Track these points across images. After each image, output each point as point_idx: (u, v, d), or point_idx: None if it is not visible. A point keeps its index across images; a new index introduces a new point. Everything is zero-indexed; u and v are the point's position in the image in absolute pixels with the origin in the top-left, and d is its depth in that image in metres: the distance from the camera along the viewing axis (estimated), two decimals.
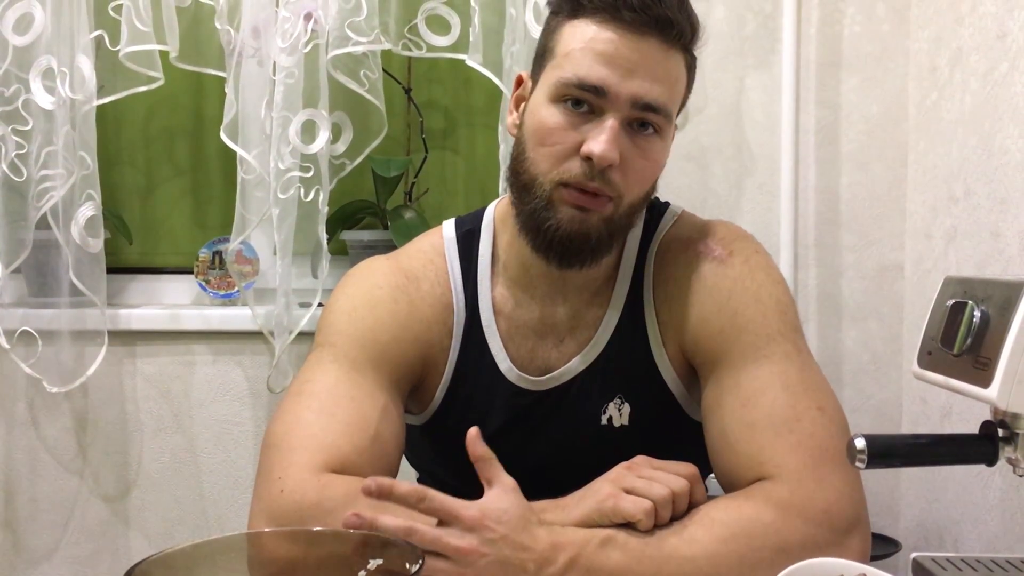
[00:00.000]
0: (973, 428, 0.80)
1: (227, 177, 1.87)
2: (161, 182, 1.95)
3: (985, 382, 0.76)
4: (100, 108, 1.68)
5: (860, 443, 0.77)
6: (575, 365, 1.09)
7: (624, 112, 0.97)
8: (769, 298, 1.04)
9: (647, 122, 0.99)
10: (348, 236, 1.80)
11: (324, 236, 1.70)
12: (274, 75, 1.65)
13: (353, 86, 1.68)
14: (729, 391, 0.99)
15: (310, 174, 1.68)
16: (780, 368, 0.99)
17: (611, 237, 1.03)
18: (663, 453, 0.96)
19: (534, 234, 1.02)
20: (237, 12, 1.66)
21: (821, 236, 1.79)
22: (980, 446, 0.79)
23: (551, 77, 1.00)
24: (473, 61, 1.66)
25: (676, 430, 1.09)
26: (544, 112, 1.00)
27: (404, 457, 1.10)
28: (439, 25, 1.71)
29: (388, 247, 1.75)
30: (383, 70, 1.72)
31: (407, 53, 1.72)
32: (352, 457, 0.96)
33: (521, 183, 1.02)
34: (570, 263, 1.03)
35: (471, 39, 1.66)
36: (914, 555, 0.93)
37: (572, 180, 0.98)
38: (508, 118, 1.09)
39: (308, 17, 1.63)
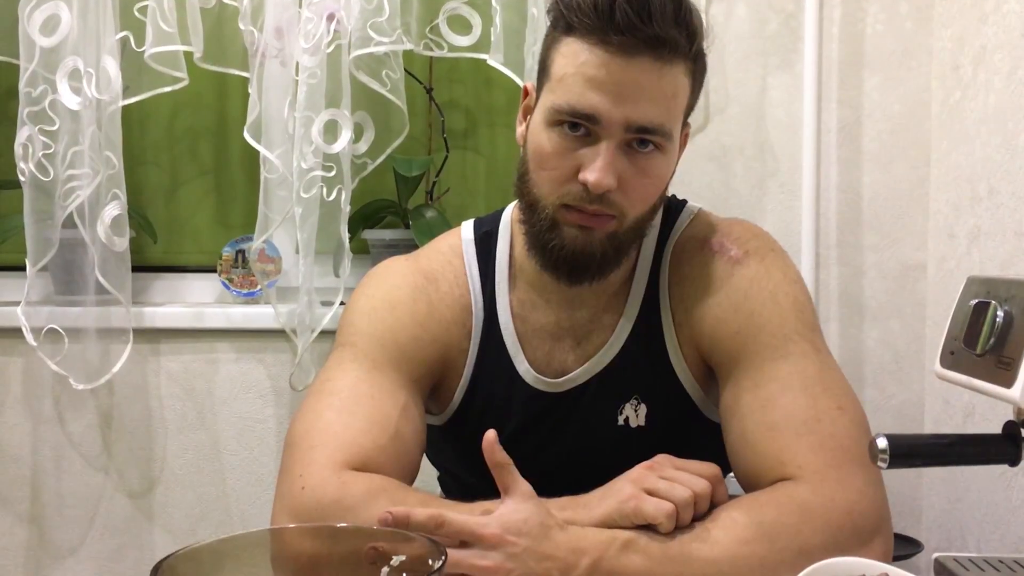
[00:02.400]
0: (996, 428, 0.80)
1: (250, 176, 1.89)
2: (185, 181, 1.97)
3: (1008, 382, 0.75)
4: (125, 108, 1.70)
5: (882, 443, 0.77)
6: (592, 366, 1.09)
7: (619, 136, 0.96)
8: (786, 297, 1.04)
9: (647, 141, 0.98)
10: (370, 235, 1.81)
11: (346, 235, 1.70)
12: (297, 75, 1.66)
13: (375, 86, 1.69)
14: (748, 392, 0.99)
15: (332, 173, 1.69)
16: (799, 368, 0.98)
17: (617, 252, 1.03)
18: (679, 453, 0.96)
19: (541, 253, 1.03)
20: (260, 13, 1.68)
21: (843, 235, 1.79)
22: (1003, 446, 0.79)
23: (547, 101, 1.00)
24: (494, 61, 1.67)
25: (693, 430, 1.09)
26: (542, 137, 1.00)
27: (425, 456, 1.10)
28: (460, 25, 1.72)
29: (410, 246, 1.76)
30: (405, 70, 1.72)
31: (428, 53, 1.73)
32: (373, 454, 0.97)
33: (527, 202, 1.04)
34: (579, 279, 1.04)
35: (492, 39, 1.67)
36: (936, 555, 0.93)
37: (572, 202, 0.99)
38: (518, 128, 1.09)
39: (331, 18, 1.64)
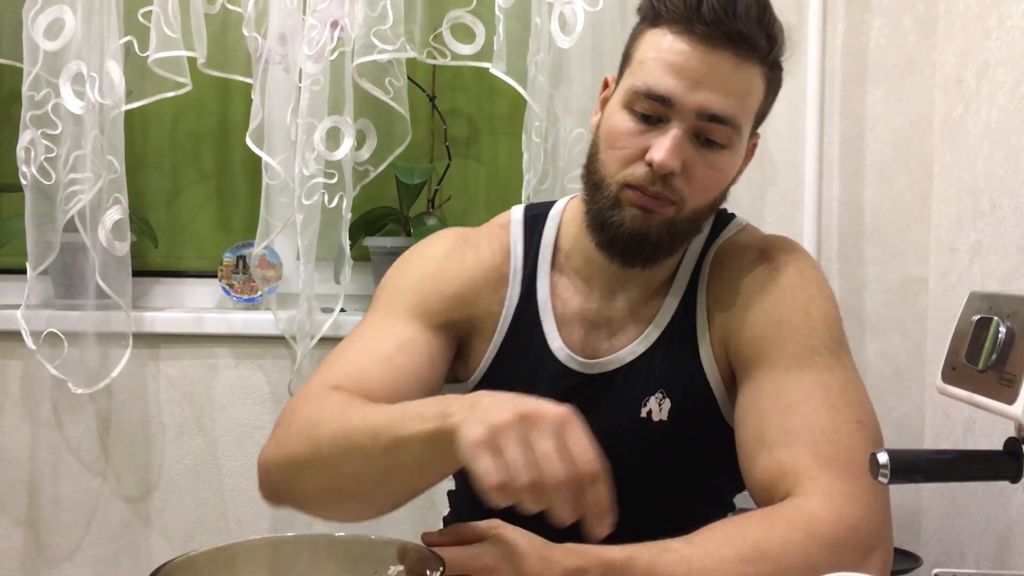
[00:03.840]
0: (997, 443, 0.80)
1: (252, 182, 1.89)
2: (187, 186, 1.97)
3: (1010, 399, 0.75)
4: (128, 113, 1.70)
5: (883, 458, 0.77)
6: (624, 355, 1.11)
7: (689, 122, 1.00)
8: (818, 310, 1.05)
9: (715, 137, 1.01)
10: (371, 242, 1.81)
11: (347, 242, 1.71)
12: (300, 82, 1.66)
13: (378, 93, 1.69)
14: (769, 396, 1.00)
15: (334, 180, 1.69)
16: (823, 379, 1.00)
17: (672, 239, 1.06)
18: (696, 453, 1.00)
19: (599, 231, 1.06)
20: (264, 19, 1.68)
21: (844, 248, 1.79)
22: (1004, 463, 0.79)
23: (626, 83, 1.04)
24: (497, 70, 1.67)
25: (710, 432, 1.09)
26: (617, 117, 1.04)
27: None
28: (464, 33, 1.72)
29: None
30: (408, 78, 1.72)
31: (432, 61, 1.73)
32: (355, 374, 1.02)
33: (592, 182, 1.07)
34: (632, 261, 1.06)
35: (495, 48, 1.67)
36: (936, 571, 0.93)
37: (636, 183, 1.02)
38: (593, 118, 1.12)
39: (334, 25, 1.64)
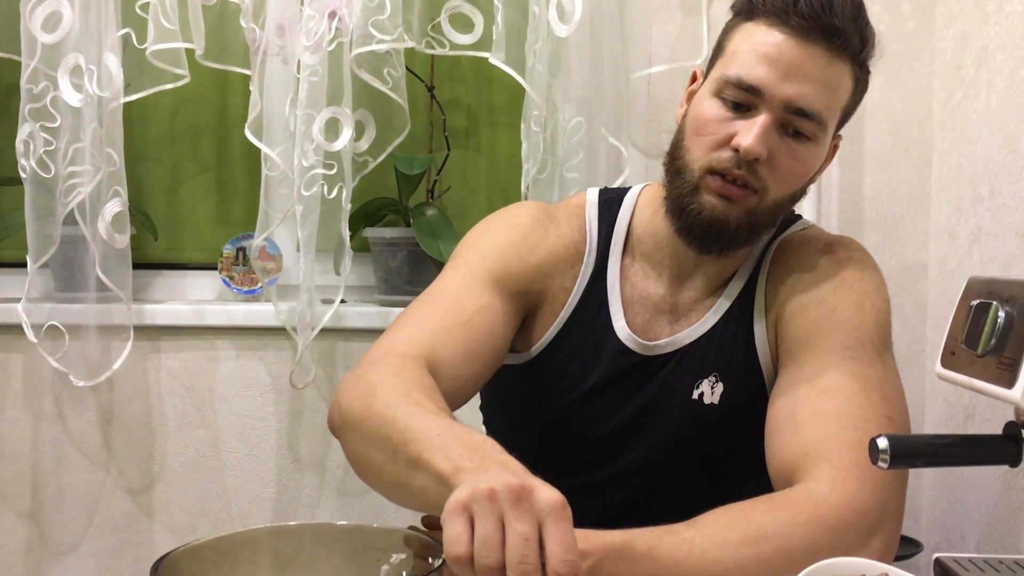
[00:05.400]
0: (997, 428, 0.80)
1: (251, 174, 1.88)
2: (186, 179, 1.97)
3: (1009, 383, 0.76)
4: (126, 105, 1.69)
5: (883, 443, 0.77)
6: (682, 339, 1.13)
7: (777, 112, 1.02)
8: (872, 308, 1.08)
9: (801, 129, 1.03)
10: (370, 233, 1.81)
11: (347, 233, 1.70)
12: (298, 73, 1.66)
13: (376, 84, 1.68)
14: (808, 380, 1.02)
15: (333, 171, 1.69)
16: (863, 373, 1.01)
17: (751, 230, 1.07)
18: (744, 439, 1.02)
19: (678, 216, 1.08)
20: (262, 10, 1.67)
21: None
22: (1004, 447, 0.79)
23: (717, 73, 1.06)
24: (496, 59, 1.67)
25: (760, 418, 1.09)
26: (705, 104, 1.06)
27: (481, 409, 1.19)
28: (462, 23, 1.72)
29: (410, 244, 1.76)
30: (406, 68, 1.72)
31: (430, 51, 1.73)
32: (439, 334, 1.02)
33: (675, 168, 1.09)
34: (708, 248, 1.08)
35: (494, 37, 1.66)
36: (936, 555, 0.93)
37: (720, 167, 1.04)
38: (679, 110, 1.14)
39: (332, 15, 1.64)
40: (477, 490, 0.68)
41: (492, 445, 0.79)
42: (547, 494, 0.67)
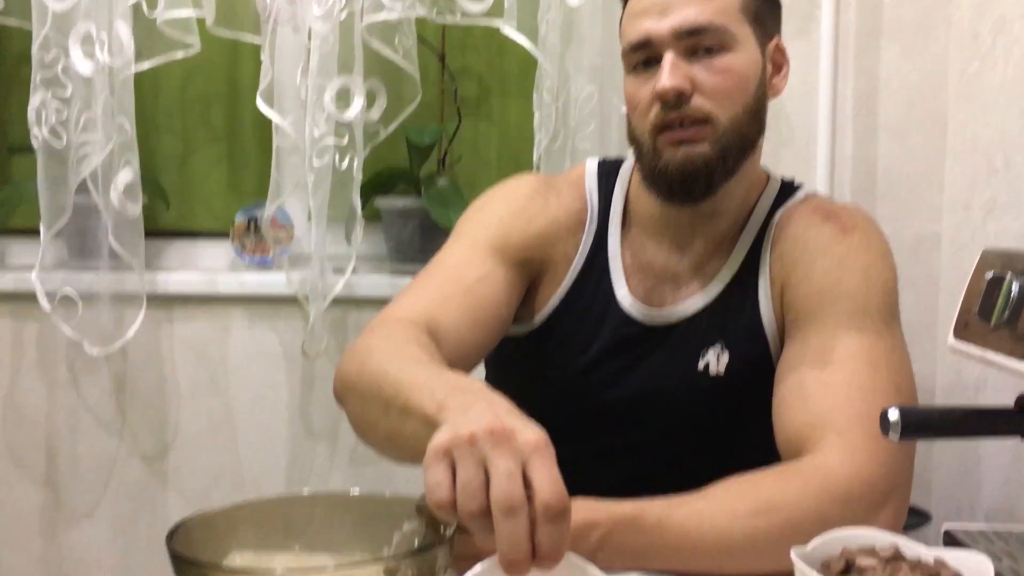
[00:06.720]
0: (1008, 400, 0.80)
1: (262, 143, 1.88)
2: (197, 148, 1.97)
3: (1022, 355, 0.75)
4: (137, 74, 1.69)
5: (894, 415, 0.77)
6: (686, 308, 1.13)
7: (674, 46, 1.03)
8: (878, 277, 1.07)
9: (706, 46, 1.04)
10: (382, 203, 1.81)
11: (358, 203, 1.70)
12: (309, 42, 1.65)
13: (388, 53, 1.68)
14: (815, 351, 1.02)
15: (345, 141, 1.68)
16: (870, 343, 1.01)
17: (724, 161, 1.07)
18: (749, 410, 1.02)
19: (652, 182, 1.09)
20: None
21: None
22: (1015, 420, 0.79)
23: (623, 55, 1.10)
24: (508, 29, 1.66)
25: (765, 389, 1.09)
26: (627, 84, 1.10)
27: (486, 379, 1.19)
28: None
29: (421, 214, 1.76)
30: (418, 37, 1.71)
31: (441, 20, 1.72)
32: (440, 301, 1.05)
33: (636, 149, 1.11)
34: (689, 194, 1.08)
35: (506, 6, 1.65)
36: (946, 526, 0.93)
37: (660, 122, 1.05)
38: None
39: None
40: (457, 435, 0.67)
41: (480, 385, 0.78)
42: (529, 434, 0.66)
